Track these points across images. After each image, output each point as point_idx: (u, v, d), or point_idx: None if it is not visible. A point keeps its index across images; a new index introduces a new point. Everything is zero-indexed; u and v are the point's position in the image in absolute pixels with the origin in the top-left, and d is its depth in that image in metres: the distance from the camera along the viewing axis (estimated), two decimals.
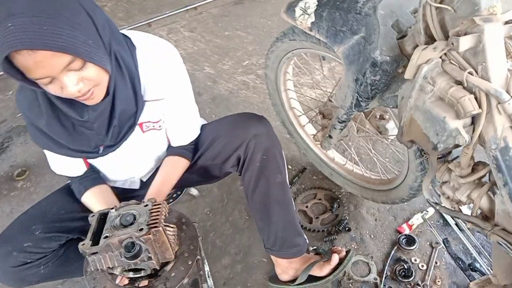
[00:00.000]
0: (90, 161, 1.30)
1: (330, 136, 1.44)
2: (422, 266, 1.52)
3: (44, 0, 0.87)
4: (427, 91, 0.90)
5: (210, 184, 1.67)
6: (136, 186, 1.43)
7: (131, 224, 1.00)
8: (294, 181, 1.86)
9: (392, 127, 1.45)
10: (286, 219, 1.33)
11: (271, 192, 1.29)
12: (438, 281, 1.47)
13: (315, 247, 1.59)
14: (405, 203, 1.69)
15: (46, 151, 1.24)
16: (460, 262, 1.48)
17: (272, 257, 1.44)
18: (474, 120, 0.89)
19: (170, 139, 1.33)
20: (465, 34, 0.84)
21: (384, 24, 1.04)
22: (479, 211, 0.98)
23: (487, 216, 0.96)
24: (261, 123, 1.26)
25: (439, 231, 1.63)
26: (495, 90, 0.83)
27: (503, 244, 0.89)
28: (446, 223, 1.65)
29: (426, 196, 1.07)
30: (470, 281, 1.38)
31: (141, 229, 0.97)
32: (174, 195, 1.75)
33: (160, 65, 1.17)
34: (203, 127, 1.37)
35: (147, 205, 1.04)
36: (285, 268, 1.42)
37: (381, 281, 1.48)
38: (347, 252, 1.42)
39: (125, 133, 1.20)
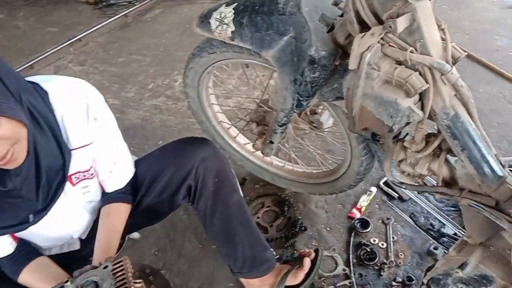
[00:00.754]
0: (18, 234, 1.10)
1: (271, 142, 1.41)
2: (382, 244, 1.57)
3: None
4: (374, 77, 0.91)
5: None
6: (77, 246, 1.26)
7: None
8: None
9: (326, 119, 1.46)
10: (251, 237, 1.26)
11: (230, 214, 1.22)
12: (401, 255, 1.53)
13: (278, 256, 1.55)
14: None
15: None
16: (432, 232, 1.55)
17: (243, 280, 1.37)
18: (422, 95, 0.91)
19: (104, 185, 1.19)
20: (398, 16, 0.86)
21: (312, 20, 1.03)
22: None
23: (450, 183, 1.01)
24: (205, 145, 1.19)
25: (386, 208, 1.69)
26: (437, 62, 0.86)
27: (474, 205, 0.93)
28: (390, 198, 1.72)
29: (390, 179, 1.08)
30: (447, 247, 1.46)
31: None
32: None
33: (79, 106, 1.03)
34: (137, 164, 1.25)
35: (106, 266, 0.91)
36: (258, 286, 1.36)
37: (350, 271, 1.49)
38: (316, 252, 1.41)
39: (56, 191, 1.05)
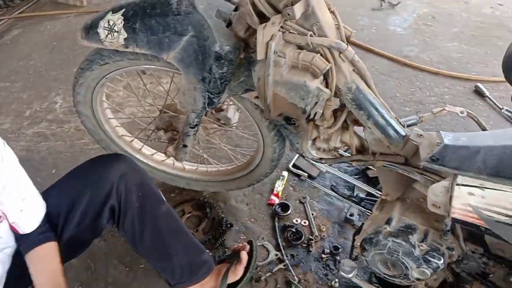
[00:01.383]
0: None
1: (184, 146, 1.38)
2: (305, 222, 1.65)
3: None
4: (282, 64, 0.95)
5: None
6: None
7: None
8: None
9: (232, 115, 1.48)
10: (185, 244, 1.24)
11: (161, 226, 1.17)
12: (323, 228, 1.63)
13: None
14: None
15: None
16: (353, 198, 1.66)
17: None
18: (325, 75, 0.98)
19: (17, 228, 1.06)
20: (293, 3, 0.91)
21: (210, 17, 1.04)
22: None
23: (362, 151, 1.10)
24: (120, 160, 1.12)
25: (300, 188, 1.78)
26: (335, 42, 0.93)
27: (387, 165, 1.03)
28: (300, 179, 1.82)
29: (309, 157, 1.14)
30: (367, 209, 1.58)
31: None
32: None
33: None
34: (46, 196, 1.13)
35: None
36: None
37: (282, 254, 1.54)
38: (249, 243, 1.42)
39: None
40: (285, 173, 1.81)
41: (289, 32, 0.94)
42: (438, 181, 0.96)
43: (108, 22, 1.15)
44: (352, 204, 1.68)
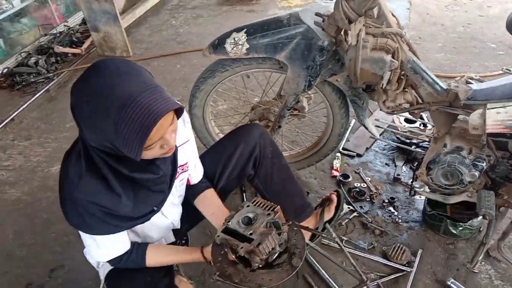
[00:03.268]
0: (140, 227, 1.35)
1: (279, 127, 1.89)
2: (363, 185, 2.14)
3: (140, 75, 1.03)
4: (367, 47, 1.49)
5: None
6: (172, 238, 1.54)
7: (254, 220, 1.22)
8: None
9: (306, 104, 2.01)
10: (298, 189, 1.70)
11: (283, 174, 1.64)
12: (378, 187, 2.12)
13: None
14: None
15: (93, 242, 1.24)
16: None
17: None
18: (393, 53, 1.53)
19: (190, 178, 1.51)
20: (370, 8, 1.47)
21: (312, 25, 1.59)
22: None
23: (418, 103, 1.63)
24: (255, 126, 1.61)
25: (352, 164, 2.29)
26: (398, 31, 1.49)
27: (439, 108, 1.56)
28: (351, 157, 2.33)
29: (385, 111, 1.66)
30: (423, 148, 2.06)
31: (269, 214, 1.22)
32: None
33: None
34: (202, 159, 1.59)
35: (248, 205, 1.27)
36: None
37: (353, 206, 2.02)
38: (336, 191, 1.90)
39: (171, 181, 1.36)
40: (339, 154, 2.32)
41: (369, 27, 1.50)
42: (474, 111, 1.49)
43: (234, 39, 1.69)
44: (381, 173, 2.19)
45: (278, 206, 1.26)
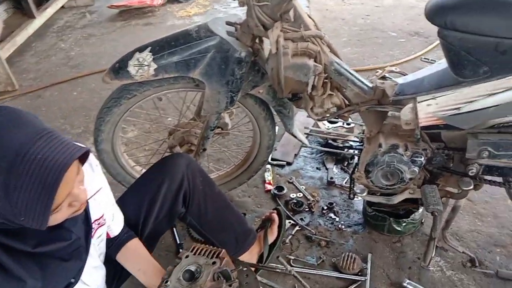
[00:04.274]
0: None
1: (204, 150, 1.71)
2: (299, 194, 2.04)
3: (29, 122, 0.81)
4: (288, 53, 1.37)
5: None
6: None
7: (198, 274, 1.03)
8: None
9: (228, 120, 1.85)
10: (237, 216, 1.54)
11: (219, 203, 1.47)
12: (314, 194, 2.03)
13: None
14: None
15: None
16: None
17: None
18: (315, 57, 1.43)
19: (110, 231, 1.27)
20: (284, 13, 1.36)
21: (225, 35, 1.43)
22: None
23: (347, 105, 1.55)
24: (181, 155, 1.42)
25: (284, 173, 2.18)
26: (317, 33, 1.39)
27: (368, 108, 1.49)
28: (281, 166, 2.22)
29: (315, 118, 1.55)
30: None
31: (214, 262, 1.04)
32: None
33: None
34: (122, 202, 1.36)
35: (187, 256, 1.08)
36: (249, 259, 1.61)
37: (294, 220, 1.90)
38: (276, 209, 1.76)
39: (87, 243, 1.12)
40: (269, 166, 2.20)
41: (287, 32, 1.38)
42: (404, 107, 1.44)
43: (138, 59, 1.47)
44: (313, 177, 2.13)
45: (223, 250, 1.08)
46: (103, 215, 1.19)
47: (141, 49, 1.48)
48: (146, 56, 1.47)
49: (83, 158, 0.89)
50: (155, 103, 1.75)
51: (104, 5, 4.55)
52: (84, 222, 1.09)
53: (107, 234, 1.26)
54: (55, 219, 0.87)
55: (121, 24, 4.18)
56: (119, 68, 1.49)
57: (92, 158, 1.15)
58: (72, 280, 1.07)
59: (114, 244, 1.29)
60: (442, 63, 1.46)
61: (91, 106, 2.84)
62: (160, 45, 1.47)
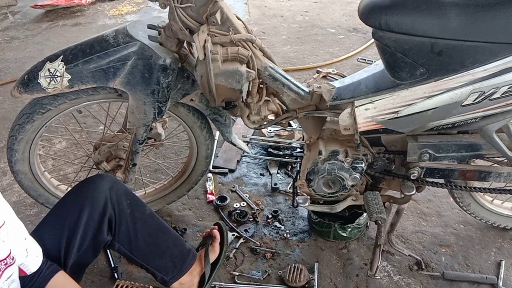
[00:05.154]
0: None
1: (134, 165, 1.56)
2: (243, 204, 1.94)
3: None
4: (217, 59, 1.26)
5: None
6: None
7: None
8: None
9: (161, 130, 1.71)
10: (173, 237, 1.41)
11: (150, 226, 1.34)
12: (259, 202, 1.95)
13: None
14: None
15: None
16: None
17: (175, 284, 1.47)
18: (247, 62, 1.32)
19: (25, 268, 1.10)
20: (211, 15, 1.24)
21: (146, 40, 1.29)
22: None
23: (284, 112, 1.47)
24: (101, 177, 1.26)
25: (227, 181, 2.08)
26: (249, 36, 1.28)
27: (307, 114, 1.41)
28: (224, 174, 2.11)
29: (251, 127, 1.45)
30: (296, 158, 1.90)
31: None
32: None
33: None
34: (38, 234, 1.20)
35: None
36: (190, 281, 1.49)
37: (238, 232, 1.80)
38: (216, 224, 1.65)
39: None
40: (210, 174, 2.08)
41: (215, 36, 1.27)
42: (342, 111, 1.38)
43: (49, 70, 1.30)
44: (257, 184, 2.05)
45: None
46: (10, 254, 1.03)
47: (51, 59, 1.31)
48: (58, 66, 1.30)
49: None
50: (74, 117, 1.58)
51: (28, 4, 4.21)
52: None
53: (22, 271, 1.10)
54: None
55: (47, 25, 3.87)
56: (28, 80, 1.32)
57: None
58: None
59: (35, 282, 1.12)
60: (379, 65, 1.41)
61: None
62: (73, 53, 1.30)
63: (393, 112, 1.31)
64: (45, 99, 1.38)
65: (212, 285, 1.56)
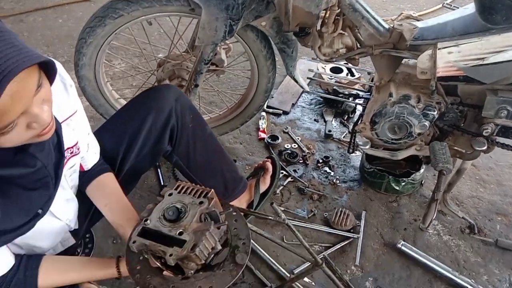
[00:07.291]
0: (20, 239, 0.96)
1: (196, 86, 1.55)
2: (294, 145, 1.91)
3: None
4: None
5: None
6: (71, 241, 1.16)
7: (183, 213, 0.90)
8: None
9: (224, 56, 1.68)
10: (228, 162, 1.40)
11: (209, 146, 1.33)
12: (310, 146, 1.91)
13: None
14: None
15: None
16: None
17: None
18: None
19: (84, 162, 1.12)
20: None
21: None
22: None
23: (358, 46, 1.40)
24: (169, 87, 1.25)
25: (280, 122, 2.04)
26: None
27: (383, 51, 1.34)
28: (277, 114, 2.08)
29: (322, 58, 1.40)
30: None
31: (201, 202, 0.90)
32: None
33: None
34: (101, 134, 1.21)
35: (170, 193, 0.94)
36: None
37: (286, 171, 1.78)
38: (270, 158, 1.63)
39: (56, 173, 0.97)
40: (263, 113, 2.05)
41: None
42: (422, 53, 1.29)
43: None
44: (309, 129, 1.99)
45: (212, 190, 0.94)
46: (77, 143, 1.05)
47: None
48: None
49: (50, 74, 0.74)
50: (144, 28, 1.57)
51: None
52: (55, 149, 0.95)
53: (81, 166, 1.13)
54: (9, 139, 0.72)
55: None
56: None
57: (65, 76, 0.99)
58: (39, 211, 0.94)
59: (85, 176, 1.15)
60: (469, 8, 1.30)
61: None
62: None
63: (478, 59, 1.21)
64: (119, 3, 1.36)
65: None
